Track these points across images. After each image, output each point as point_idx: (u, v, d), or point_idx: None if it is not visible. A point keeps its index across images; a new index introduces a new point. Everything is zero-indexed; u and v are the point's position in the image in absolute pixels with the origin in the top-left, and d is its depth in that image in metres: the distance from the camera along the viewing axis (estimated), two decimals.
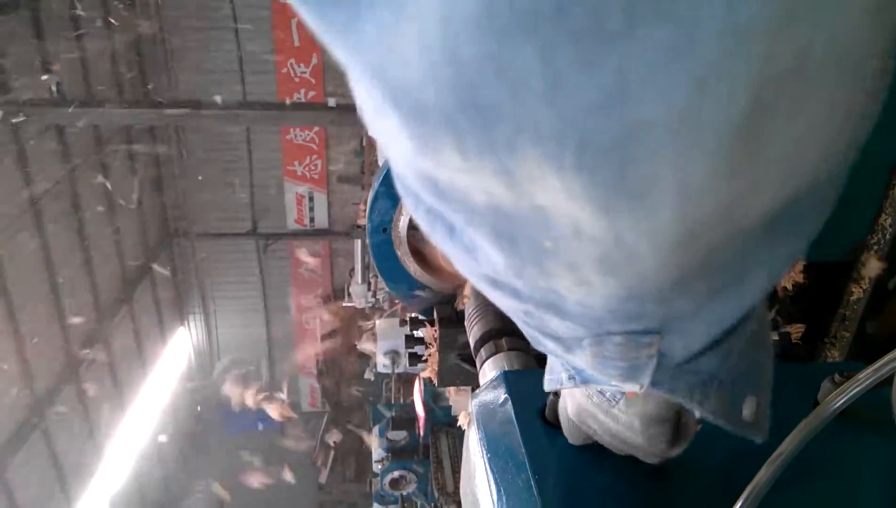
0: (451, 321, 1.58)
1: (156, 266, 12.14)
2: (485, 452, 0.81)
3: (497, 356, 1.08)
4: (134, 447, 11.49)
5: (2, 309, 8.18)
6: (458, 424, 0.93)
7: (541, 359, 1.57)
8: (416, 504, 7.84)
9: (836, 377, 0.91)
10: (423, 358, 1.66)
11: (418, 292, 1.68)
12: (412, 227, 1.59)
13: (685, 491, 0.78)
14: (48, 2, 8.83)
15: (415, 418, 8.05)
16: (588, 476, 0.78)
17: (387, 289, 7.56)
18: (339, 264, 13.52)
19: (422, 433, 7.86)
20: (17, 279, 8.37)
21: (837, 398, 0.65)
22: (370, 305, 9.08)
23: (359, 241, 8.30)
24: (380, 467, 8.10)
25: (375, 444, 8.20)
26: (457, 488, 7.29)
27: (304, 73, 11.65)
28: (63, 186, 9.41)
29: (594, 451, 0.79)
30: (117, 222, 10.95)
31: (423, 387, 7.68)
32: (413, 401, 8.24)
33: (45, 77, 8.61)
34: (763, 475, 0.62)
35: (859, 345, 1.63)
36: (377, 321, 7.88)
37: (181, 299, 13.72)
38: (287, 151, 12.51)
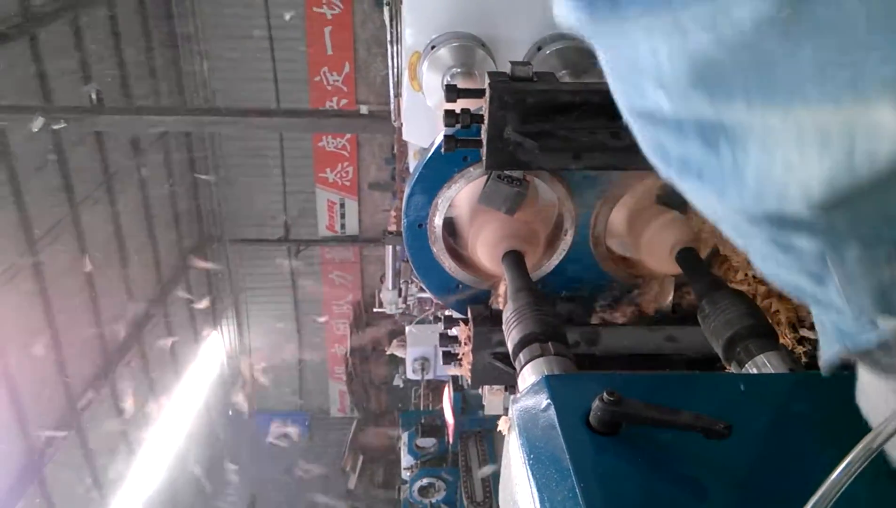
0: (486, 319, 1.57)
1: (199, 262, 12.17)
2: (527, 459, 0.78)
3: (537, 360, 1.06)
4: (167, 450, 11.64)
5: (40, 311, 8.36)
6: (499, 429, 0.91)
7: (582, 364, 1.54)
8: None
9: None
10: (458, 357, 1.64)
11: (452, 290, 1.67)
12: (447, 224, 1.59)
13: (737, 502, 0.75)
14: (89, 12, 9.06)
15: (444, 425, 8.04)
16: (637, 484, 0.75)
17: (417, 296, 7.58)
18: (369, 271, 13.59)
19: (451, 440, 7.84)
20: (55, 282, 8.56)
21: None
22: (400, 311, 9.09)
23: (390, 247, 8.32)
24: (409, 474, 8.10)
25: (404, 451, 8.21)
26: (486, 496, 7.24)
27: (337, 81, 11.76)
28: (101, 192, 9.61)
29: (643, 458, 0.77)
30: (154, 228, 11.14)
31: (452, 394, 7.68)
32: (442, 408, 8.23)
33: (85, 86, 8.85)
34: (827, 489, 0.59)
35: None
36: (407, 328, 7.90)
37: (214, 304, 13.91)
38: (319, 159, 12.63)
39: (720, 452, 0.78)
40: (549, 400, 0.83)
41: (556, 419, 0.80)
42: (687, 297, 1.71)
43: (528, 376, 1.05)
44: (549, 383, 0.87)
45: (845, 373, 0.99)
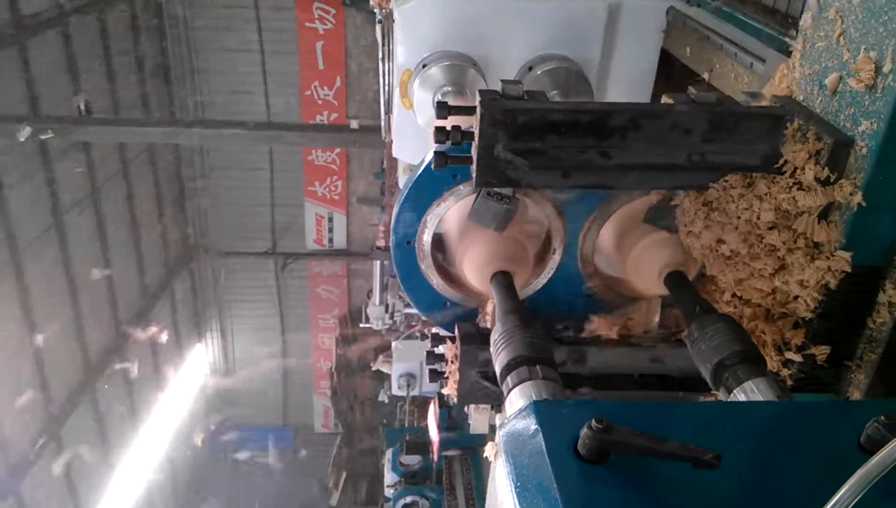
0: (473, 337, 1.56)
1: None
2: (514, 486, 0.77)
3: (525, 384, 1.04)
4: (147, 463, 11.47)
5: (23, 323, 8.25)
6: (485, 455, 0.89)
7: (570, 387, 1.52)
8: None
9: (883, 419, 0.87)
10: (444, 375, 1.63)
11: (440, 307, 1.66)
12: (435, 239, 1.58)
13: None
14: (79, 23, 9.02)
15: (428, 442, 7.97)
16: None
17: (404, 311, 7.56)
18: (356, 285, 13.54)
19: (435, 458, 7.77)
20: (39, 292, 8.45)
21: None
22: (387, 327, 9.06)
23: (377, 262, 8.29)
24: (392, 492, 8.00)
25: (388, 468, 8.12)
26: None
27: (328, 95, 11.79)
28: (88, 203, 9.53)
29: (631, 487, 0.76)
30: (139, 239, 11.05)
31: (437, 411, 7.62)
32: (427, 425, 8.17)
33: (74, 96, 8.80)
34: None
35: (887, 368, 1.52)
36: (393, 344, 7.86)
37: (199, 316, 13.79)
38: (308, 172, 12.62)
39: (710, 481, 0.77)
40: (536, 426, 0.82)
41: (543, 447, 0.79)
42: (674, 317, 1.70)
43: (516, 399, 1.04)
44: (537, 408, 0.85)
45: (835, 400, 0.99)
